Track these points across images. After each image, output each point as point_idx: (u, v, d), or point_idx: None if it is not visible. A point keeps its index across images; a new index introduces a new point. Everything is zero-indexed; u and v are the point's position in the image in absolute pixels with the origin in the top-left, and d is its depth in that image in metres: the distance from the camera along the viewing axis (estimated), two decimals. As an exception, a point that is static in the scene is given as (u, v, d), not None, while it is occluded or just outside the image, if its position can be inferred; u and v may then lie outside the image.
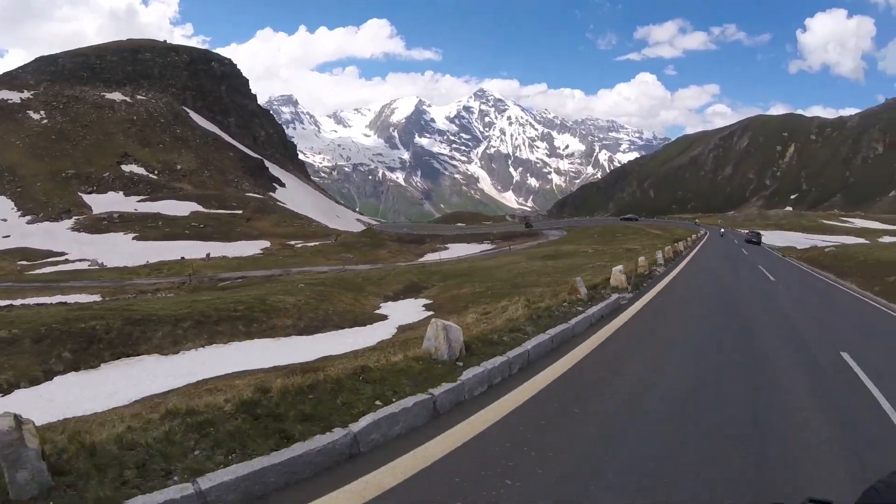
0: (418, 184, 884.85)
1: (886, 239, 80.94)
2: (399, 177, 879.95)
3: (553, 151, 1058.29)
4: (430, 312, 21.39)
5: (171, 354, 15.08)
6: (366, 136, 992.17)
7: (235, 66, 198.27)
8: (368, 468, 4.61)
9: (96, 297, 36.79)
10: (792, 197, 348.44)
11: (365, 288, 26.58)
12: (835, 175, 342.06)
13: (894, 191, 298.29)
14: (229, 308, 17.62)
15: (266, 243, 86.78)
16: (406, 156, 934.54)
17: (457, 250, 75.89)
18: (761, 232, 70.25)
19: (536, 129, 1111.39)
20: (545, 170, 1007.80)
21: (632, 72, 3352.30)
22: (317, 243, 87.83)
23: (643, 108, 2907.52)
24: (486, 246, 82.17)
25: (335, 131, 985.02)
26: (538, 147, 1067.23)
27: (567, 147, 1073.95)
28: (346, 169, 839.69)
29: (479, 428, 5.71)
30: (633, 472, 5.05)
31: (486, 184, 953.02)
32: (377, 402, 5.66)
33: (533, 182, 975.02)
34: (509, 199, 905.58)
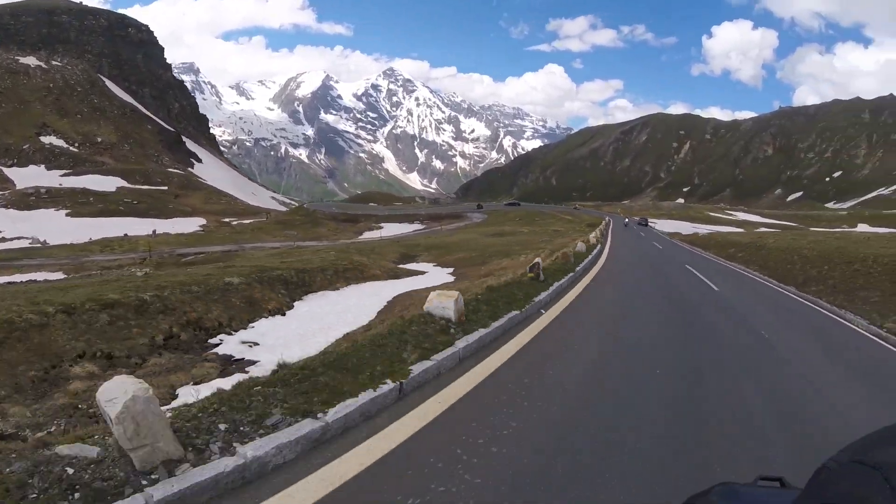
0: (322, 161, 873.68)
1: (761, 229, 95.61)
2: (302, 153, 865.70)
3: (459, 135, 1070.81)
4: (450, 269, 30.45)
5: (335, 290, 22.30)
6: (269, 109, 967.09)
7: (152, 33, 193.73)
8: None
9: (59, 275, 37.50)
10: (684, 190, 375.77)
11: (370, 256, 34.99)
12: (725, 172, 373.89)
13: (779, 189, 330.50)
14: (339, 263, 25.73)
15: (202, 220, 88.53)
16: (310, 132, 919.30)
17: (391, 229, 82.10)
18: (654, 220, 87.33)
19: (444, 112, 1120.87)
20: (450, 153, 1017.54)
21: (541, 62, 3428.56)
22: (251, 220, 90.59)
23: (549, 98, 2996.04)
24: (417, 226, 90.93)
25: (237, 103, 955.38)
26: (444, 130, 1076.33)
27: (473, 131, 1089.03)
28: (248, 143, 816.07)
29: (600, 266, 22.63)
30: (624, 259, 27.70)
31: (391, 164, 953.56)
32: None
33: (438, 164, 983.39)
34: (414, 181, 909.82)
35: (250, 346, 14.87)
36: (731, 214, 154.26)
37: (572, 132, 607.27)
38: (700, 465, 4.80)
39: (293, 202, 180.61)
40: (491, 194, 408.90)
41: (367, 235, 77.47)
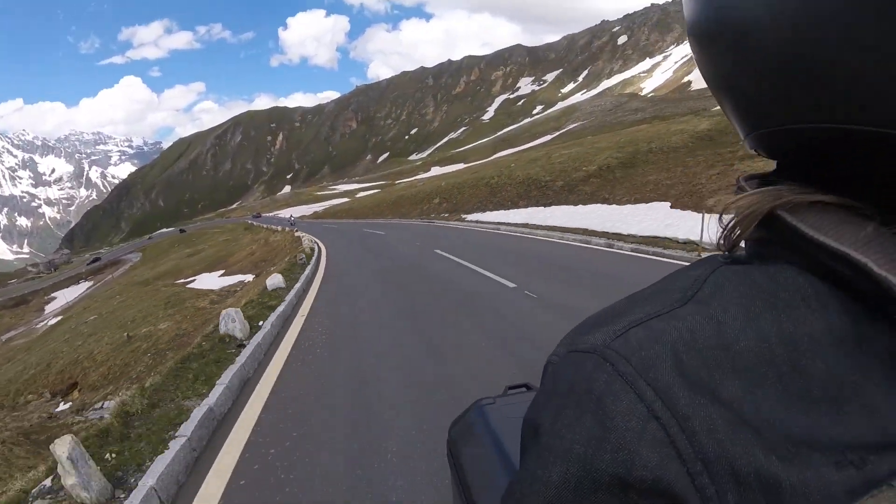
0: None
1: (361, 194, 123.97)
2: None
3: (39, 179, 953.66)
4: (210, 272, 50.75)
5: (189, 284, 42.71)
6: None
7: None
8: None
9: None
10: (288, 176, 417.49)
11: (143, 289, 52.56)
12: (319, 152, 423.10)
13: (369, 155, 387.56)
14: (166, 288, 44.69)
15: None
16: None
17: (67, 295, 78.62)
18: (275, 212, 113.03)
19: (16, 156, 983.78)
20: (34, 203, 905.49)
21: (116, 76, 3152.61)
22: None
23: (130, 114, 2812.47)
24: (87, 283, 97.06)
25: None
26: (21, 178, 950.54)
27: (53, 171, 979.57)
28: None
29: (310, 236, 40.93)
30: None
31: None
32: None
33: (24, 222, 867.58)
34: (2, 251, 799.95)
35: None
36: (334, 189, 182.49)
37: (162, 146, 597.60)
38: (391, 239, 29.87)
39: None
40: (100, 237, 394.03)
41: (52, 307, 77.59)
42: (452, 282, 11.23)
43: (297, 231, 37.57)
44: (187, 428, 4.48)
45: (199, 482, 3.95)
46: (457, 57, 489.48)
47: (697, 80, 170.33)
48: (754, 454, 0.39)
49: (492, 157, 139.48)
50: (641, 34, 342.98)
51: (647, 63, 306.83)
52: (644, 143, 28.38)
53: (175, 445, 4.19)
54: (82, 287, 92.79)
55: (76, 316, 40.60)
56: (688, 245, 12.67)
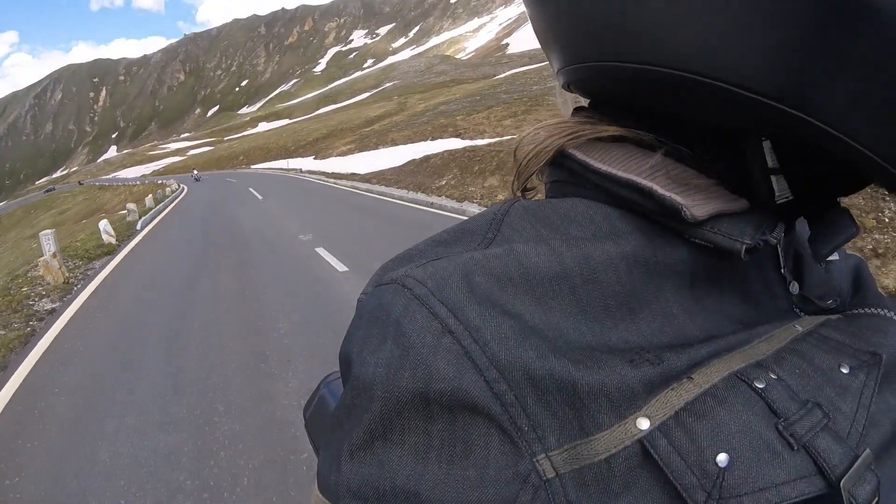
0: None
1: (192, 152, 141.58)
2: None
3: None
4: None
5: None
6: None
7: None
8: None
9: None
10: (113, 136, 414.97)
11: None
12: (146, 108, 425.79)
13: (198, 108, 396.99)
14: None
15: None
16: None
17: None
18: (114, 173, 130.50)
19: None
20: None
21: None
22: None
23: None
24: None
25: None
26: None
27: None
28: None
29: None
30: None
31: None
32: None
33: None
34: None
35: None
36: (166, 147, 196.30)
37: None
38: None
39: None
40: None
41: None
42: (224, 183, 41.88)
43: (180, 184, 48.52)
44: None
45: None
46: (291, 5, 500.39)
47: (514, 43, 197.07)
48: (546, 358, 0.55)
49: (314, 113, 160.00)
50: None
51: (474, 23, 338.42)
52: (344, 124, 57.74)
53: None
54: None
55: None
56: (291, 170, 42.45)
